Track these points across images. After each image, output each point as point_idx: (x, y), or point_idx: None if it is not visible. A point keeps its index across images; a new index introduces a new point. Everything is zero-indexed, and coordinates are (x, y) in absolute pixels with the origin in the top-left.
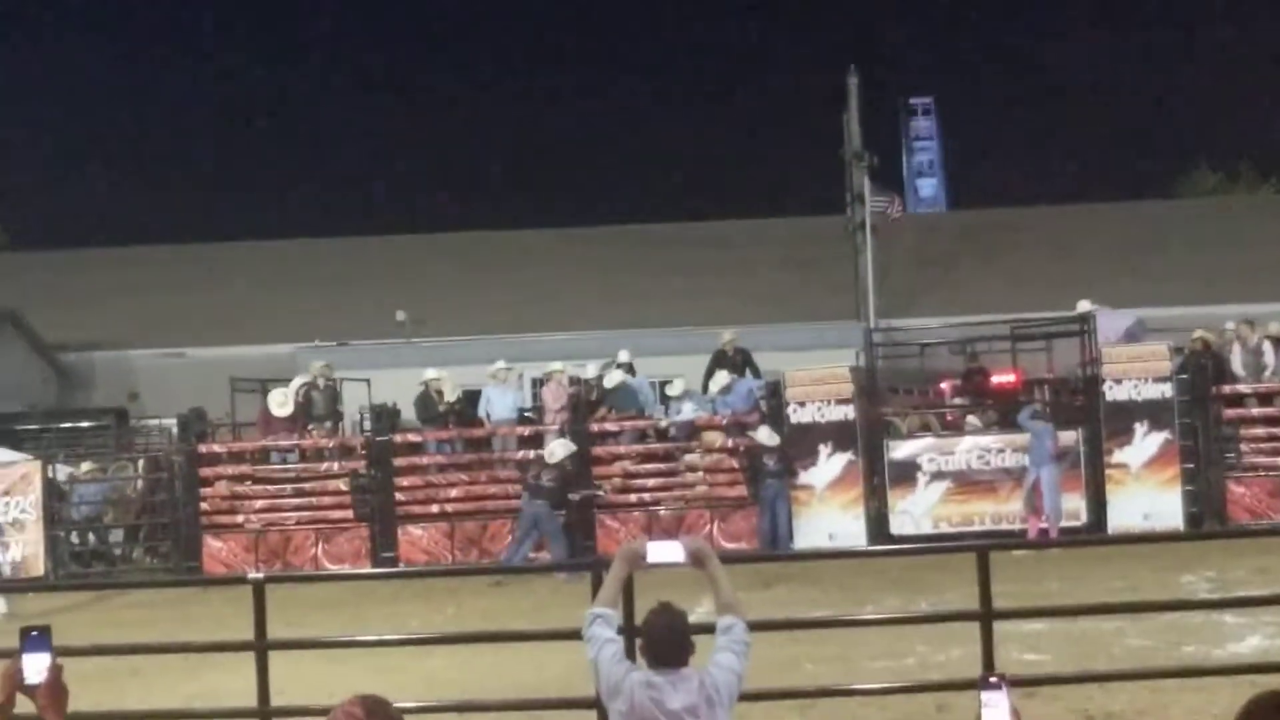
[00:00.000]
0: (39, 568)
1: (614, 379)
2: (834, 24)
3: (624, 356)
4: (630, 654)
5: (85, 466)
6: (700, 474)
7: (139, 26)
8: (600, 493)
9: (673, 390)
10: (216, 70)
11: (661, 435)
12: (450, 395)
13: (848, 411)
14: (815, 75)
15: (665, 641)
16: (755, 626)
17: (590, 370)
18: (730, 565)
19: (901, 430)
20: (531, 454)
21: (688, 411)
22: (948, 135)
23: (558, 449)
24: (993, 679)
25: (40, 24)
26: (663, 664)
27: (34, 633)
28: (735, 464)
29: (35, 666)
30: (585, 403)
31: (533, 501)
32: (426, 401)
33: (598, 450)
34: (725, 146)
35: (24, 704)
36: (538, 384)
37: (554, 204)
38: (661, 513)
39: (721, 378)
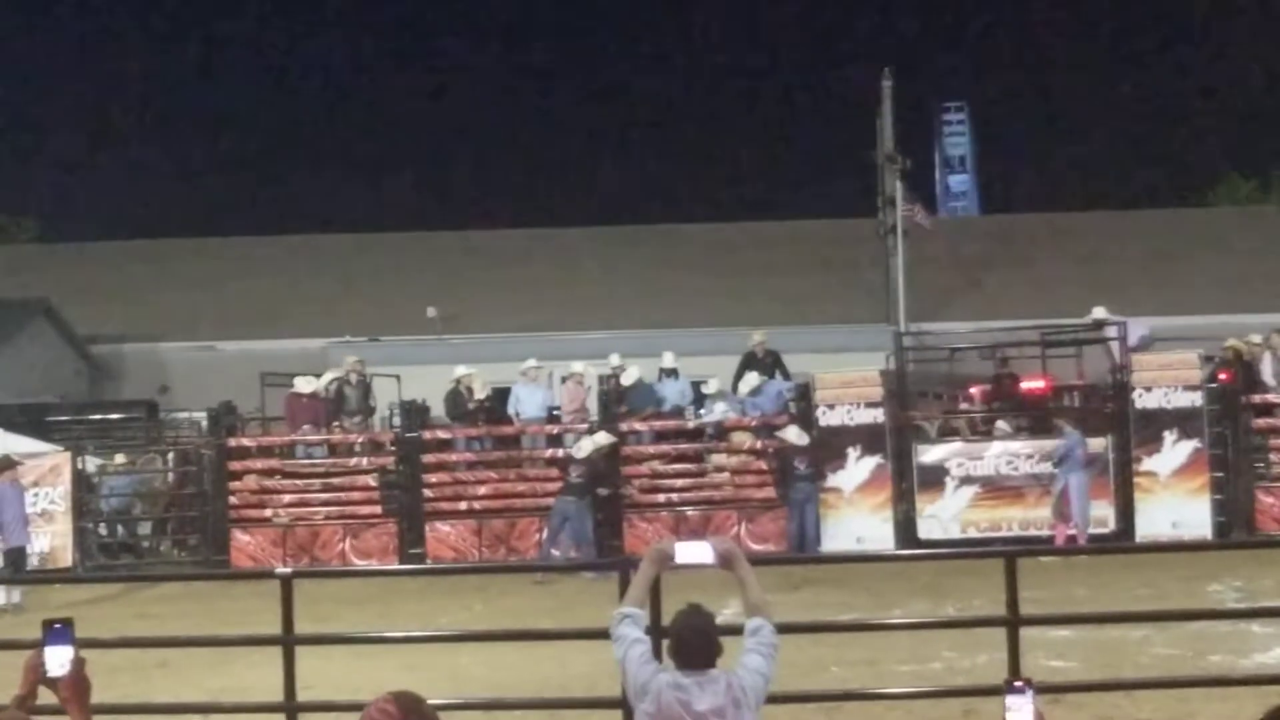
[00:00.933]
0: (67, 559)
1: (631, 376)
2: (869, 26)
3: (669, 360)
4: (657, 654)
5: (118, 459)
6: (728, 475)
7: (170, 17)
8: (623, 491)
9: (708, 389)
10: (251, 63)
11: (690, 435)
12: (480, 393)
13: (877, 415)
14: (850, 76)
15: (693, 643)
16: (782, 629)
17: (614, 359)
18: (758, 567)
19: (930, 434)
20: (560, 452)
21: (718, 411)
22: (981, 140)
23: (586, 444)
24: (1018, 683)
25: (72, 14)
26: (690, 665)
27: (56, 625)
28: (764, 465)
29: (58, 659)
30: (613, 400)
31: (562, 498)
32: (456, 398)
33: (626, 450)
34: (758, 147)
35: (46, 696)
36: (563, 382)
37: (587, 202)
38: (689, 513)
39: (751, 379)
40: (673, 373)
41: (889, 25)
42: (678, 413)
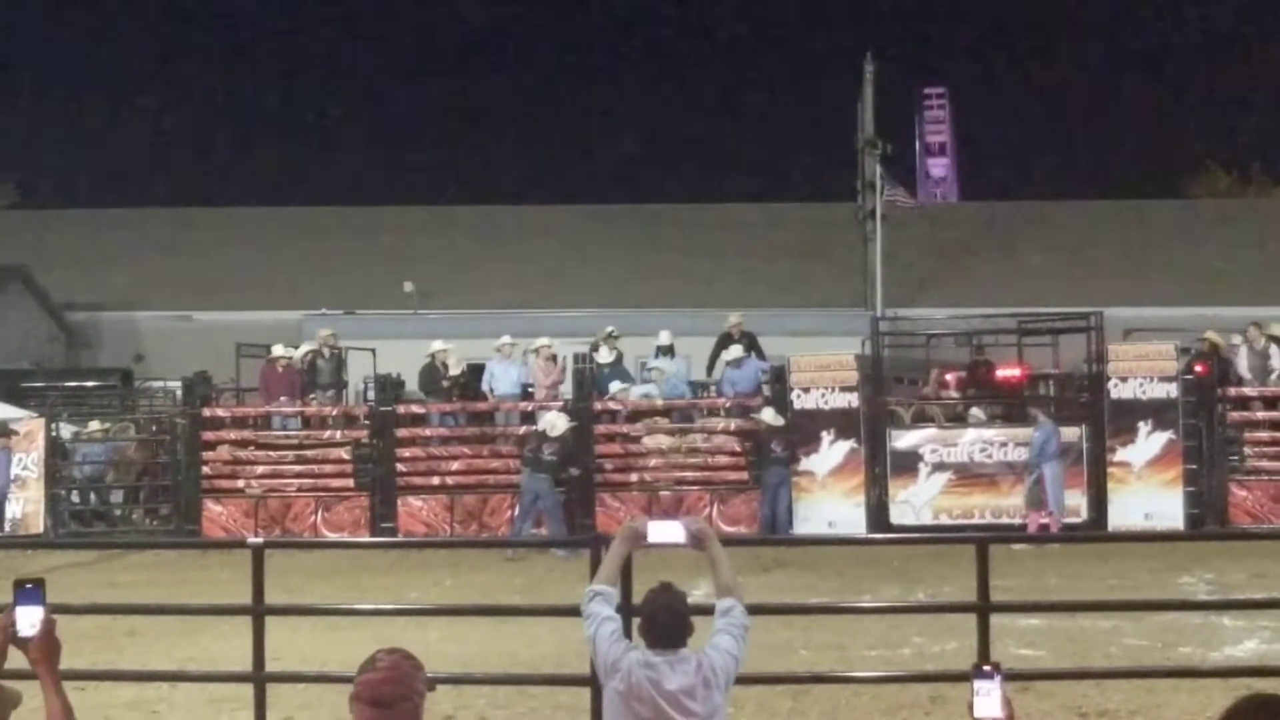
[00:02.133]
0: (39, 525)
1: (605, 356)
2: (853, 9)
3: (665, 339)
4: (628, 633)
5: (93, 426)
6: (701, 456)
7: None
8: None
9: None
10: (231, 35)
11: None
12: (455, 368)
13: (851, 399)
14: (832, 60)
15: (664, 622)
16: (752, 610)
17: (609, 330)
18: (728, 548)
19: (905, 420)
20: (530, 428)
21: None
22: (961, 126)
23: (559, 422)
24: (986, 667)
25: None
26: (661, 644)
27: (27, 586)
28: (737, 447)
29: (28, 619)
30: (587, 379)
31: (535, 475)
32: (431, 373)
33: (600, 428)
34: (739, 129)
35: (16, 659)
36: (536, 355)
37: (565, 181)
38: (662, 493)
39: (736, 350)
40: (669, 350)
41: (872, 9)
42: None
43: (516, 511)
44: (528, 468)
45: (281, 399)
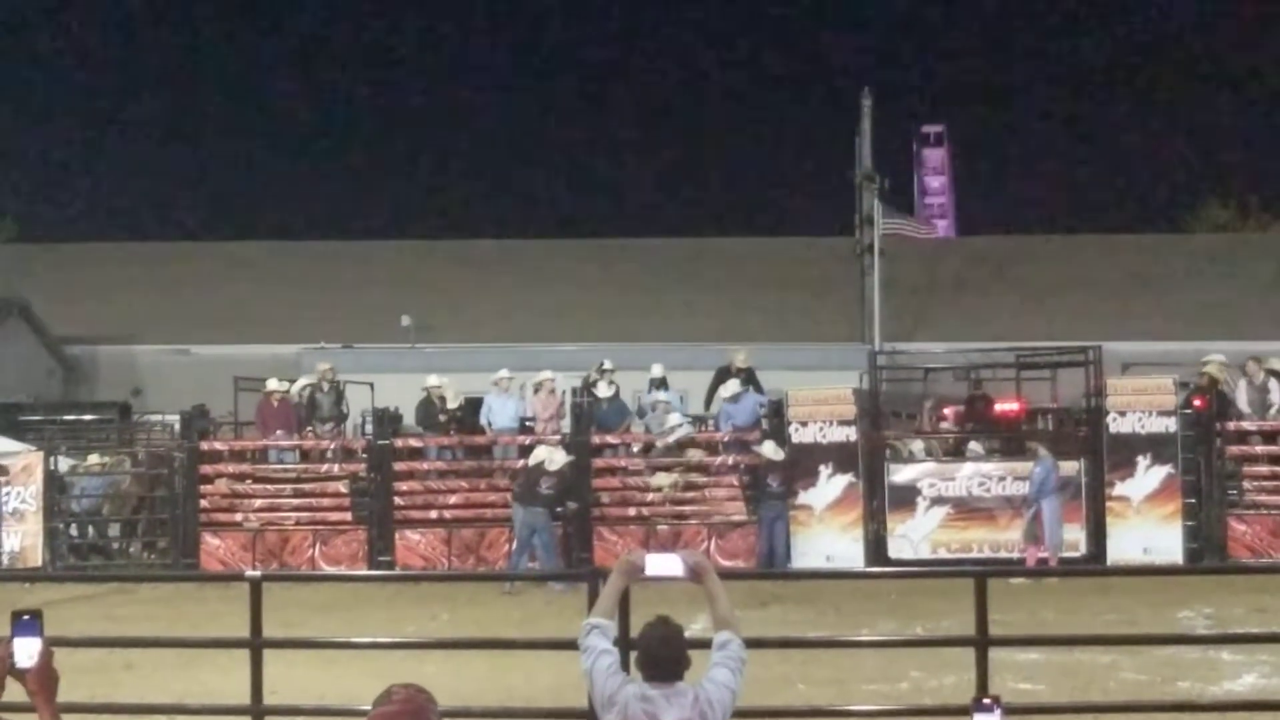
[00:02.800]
0: (37, 559)
1: (605, 391)
2: (851, 46)
3: (657, 371)
4: (626, 667)
5: (91, 459)
6: (699, 490)
7: (147, 21)
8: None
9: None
10: (230, 69)
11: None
12: (452, 402)
13: (849, 433)
14: (832, 96)
15: (661, 655)
16: (750, 644)
17: (606, 364)
18: (726, 582)
19: (904, 453)
20: (522, 463)
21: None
22: (959, 162)
23: (558, 456)
24: (985, 701)
25: (49, 17)
26: (658, 678)
27: (25, 617)
28: (735, 481)
29: (26, 651)
30: (585, 414)
31: (531, 510)
32: (428, 407)
33: (599, 462)
34: (736, 163)
35: (14, 690)
36: (535, 391)
37: (563, 215)
38: (660, 527)
39: (733, 385)
40: (662, 383)
41: (871, 47)
42: (637, 427)
43: (514, 545)
44: (520, 503)
45: (278, 432)
